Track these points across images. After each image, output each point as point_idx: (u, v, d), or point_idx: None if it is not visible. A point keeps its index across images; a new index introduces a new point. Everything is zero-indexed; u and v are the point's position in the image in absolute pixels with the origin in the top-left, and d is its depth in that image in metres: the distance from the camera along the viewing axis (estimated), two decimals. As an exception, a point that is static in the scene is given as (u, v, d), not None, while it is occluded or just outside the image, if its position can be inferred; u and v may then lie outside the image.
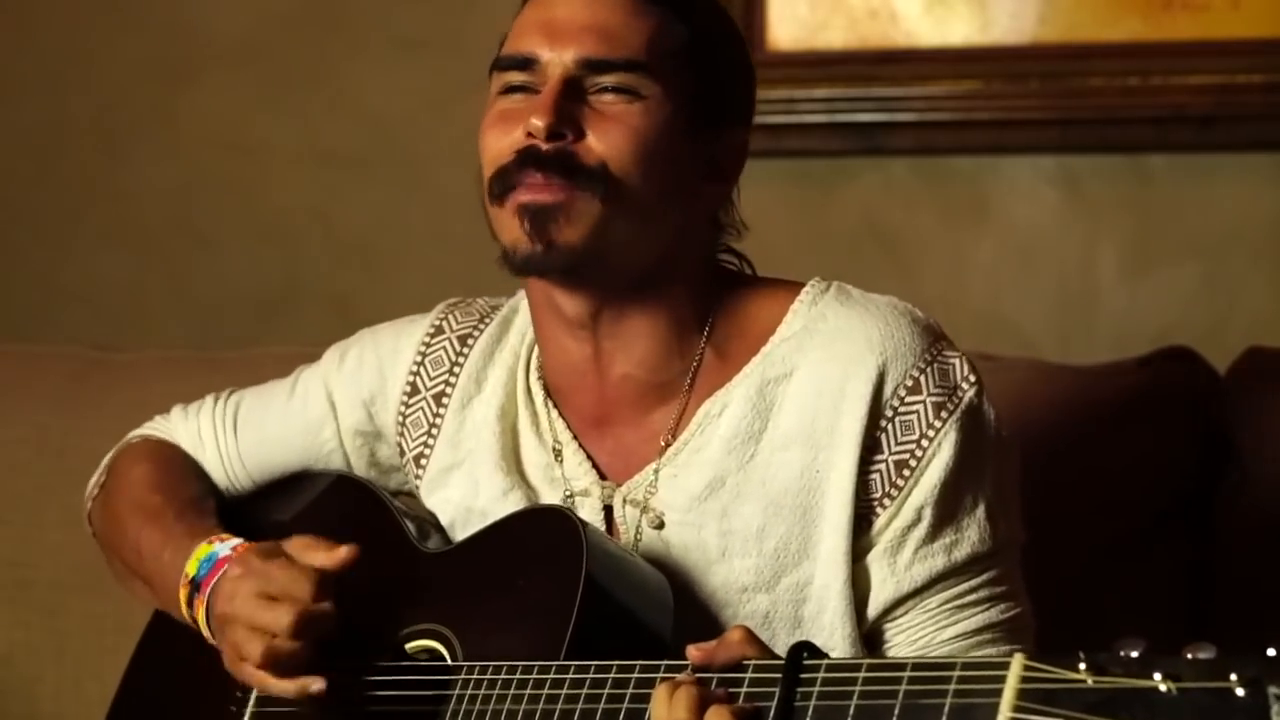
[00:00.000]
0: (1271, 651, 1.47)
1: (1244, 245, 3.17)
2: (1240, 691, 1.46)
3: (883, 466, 1.95)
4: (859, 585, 1.97)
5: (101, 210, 3.64)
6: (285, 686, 1.97)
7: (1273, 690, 1.46)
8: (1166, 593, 2.48)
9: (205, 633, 2.05)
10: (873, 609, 1.97)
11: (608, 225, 1.94)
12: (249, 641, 1.97)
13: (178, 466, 2.25)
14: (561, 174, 1.94)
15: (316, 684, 1.96)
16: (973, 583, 1.97)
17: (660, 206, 1.97)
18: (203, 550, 2.07)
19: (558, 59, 1.96)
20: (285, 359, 2.35)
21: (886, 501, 1.96)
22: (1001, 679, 1.58)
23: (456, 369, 2.13)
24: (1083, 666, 1.53)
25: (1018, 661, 1.58)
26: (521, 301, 2.12)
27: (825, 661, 1.73)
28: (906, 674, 1.67)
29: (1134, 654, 1.51)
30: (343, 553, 1.99)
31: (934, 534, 1.95)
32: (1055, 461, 2.48)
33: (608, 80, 1.96)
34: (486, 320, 2.15)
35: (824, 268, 2.09)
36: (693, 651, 1.79)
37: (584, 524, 1.93)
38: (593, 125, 1.95)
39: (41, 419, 2.84)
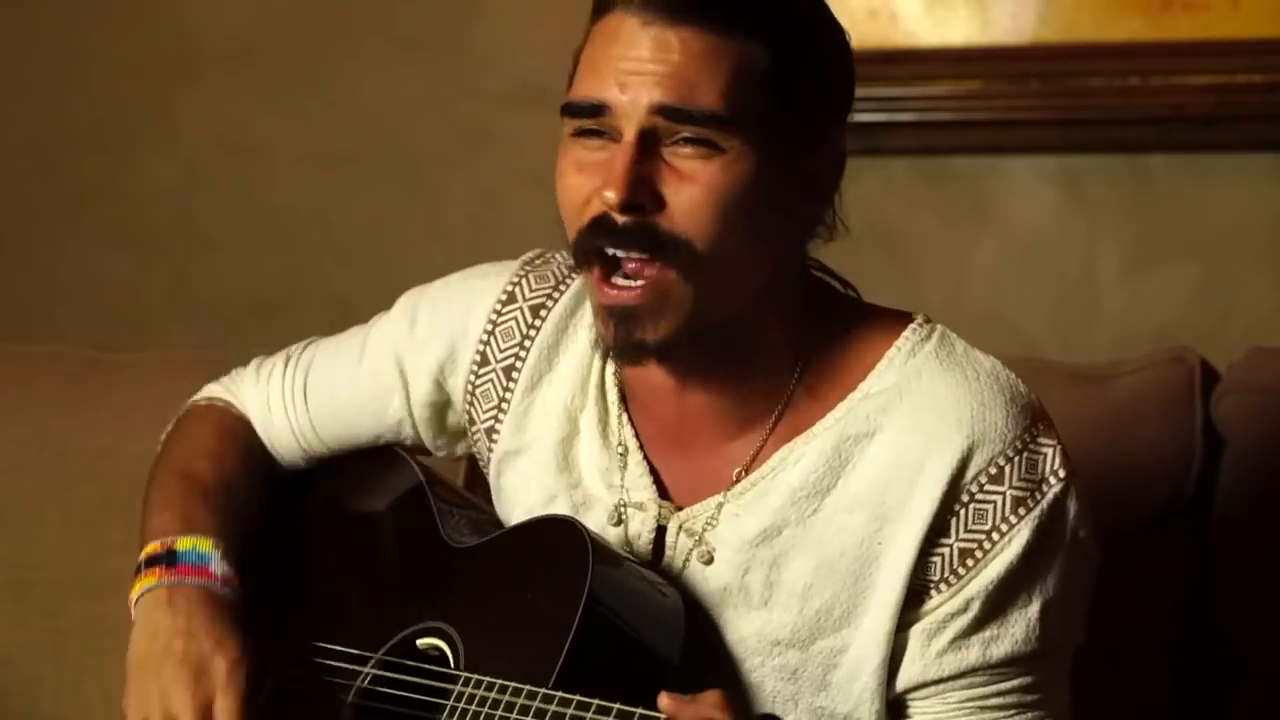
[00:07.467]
0: None
1: (1244, 245, 3.17)
2: None
3: (946, 550, 1.88)
4: (894, 652, 1.90)
5: (101, 210, 3.64)
6: None
7: None
8: (1166, 592, 2.48)
9: (130, 599, 2.06)
10: (899, 681, 1.91)
11: (698, 303, 1.85)
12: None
13: (233, 441, 2.21)
14: (641, 248, 1.84)
15: None
16: (1002, 686, 1.89)
17: (752, 259, 1.88)
18: (206, 545, 2.07)
19: (631, 106, 1.84)
20: (285, 359, 2.34)
21: (944, 587, 1.88)
22: None
23: (528, 342, 2.05)
24: None
25: None
26: None
27: None
28: None
29: None
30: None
31: (976, 627, 1.88)
32: (1055, 461, 2.47)
33: (686, 131, 1.83)
34: (562, 287, 2.06)
35: (824, 268, 2.09)
36: (664, 699, 1.75)
37: (594, 541, 1.88)
38: (671, 187, 1.84)
39: (41, 419, 2.84)
